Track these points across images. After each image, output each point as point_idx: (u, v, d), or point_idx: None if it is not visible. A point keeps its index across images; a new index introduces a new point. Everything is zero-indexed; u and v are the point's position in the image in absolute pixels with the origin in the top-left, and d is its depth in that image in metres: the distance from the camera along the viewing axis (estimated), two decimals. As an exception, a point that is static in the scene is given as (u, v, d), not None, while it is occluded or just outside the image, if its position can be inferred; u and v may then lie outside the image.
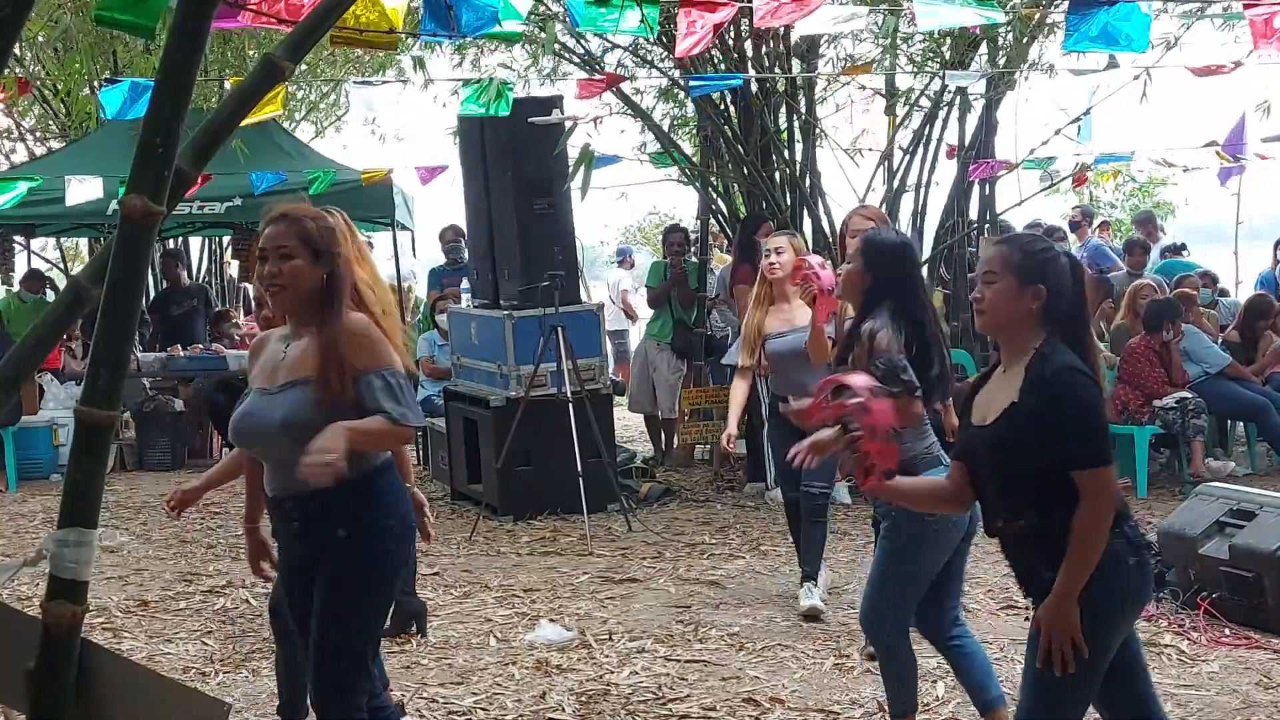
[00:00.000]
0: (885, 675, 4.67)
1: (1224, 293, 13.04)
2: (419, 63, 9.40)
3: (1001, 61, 10.16)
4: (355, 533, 3.64)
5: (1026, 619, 6.30)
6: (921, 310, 4.59)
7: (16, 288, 13.62)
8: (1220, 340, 10.41)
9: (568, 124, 8.87)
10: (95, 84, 12.45)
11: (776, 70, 10.29)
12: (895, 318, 4.47)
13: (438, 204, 14.73)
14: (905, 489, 3.72)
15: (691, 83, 9.37)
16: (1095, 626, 3.31)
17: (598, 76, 9.98)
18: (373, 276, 4.12)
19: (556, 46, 10.60)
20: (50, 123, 16.68)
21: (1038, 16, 9.70)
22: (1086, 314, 3.62)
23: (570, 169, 8.80)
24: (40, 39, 11.67)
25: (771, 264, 6.41)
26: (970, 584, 6.98)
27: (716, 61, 10.39)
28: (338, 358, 3.60)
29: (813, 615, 6.34)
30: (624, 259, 17.70)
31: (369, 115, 14.09)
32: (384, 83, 11.19)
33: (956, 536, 4.44)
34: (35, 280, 13.22)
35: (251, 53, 12.05)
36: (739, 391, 6.62)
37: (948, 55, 10.36)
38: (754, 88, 10.32)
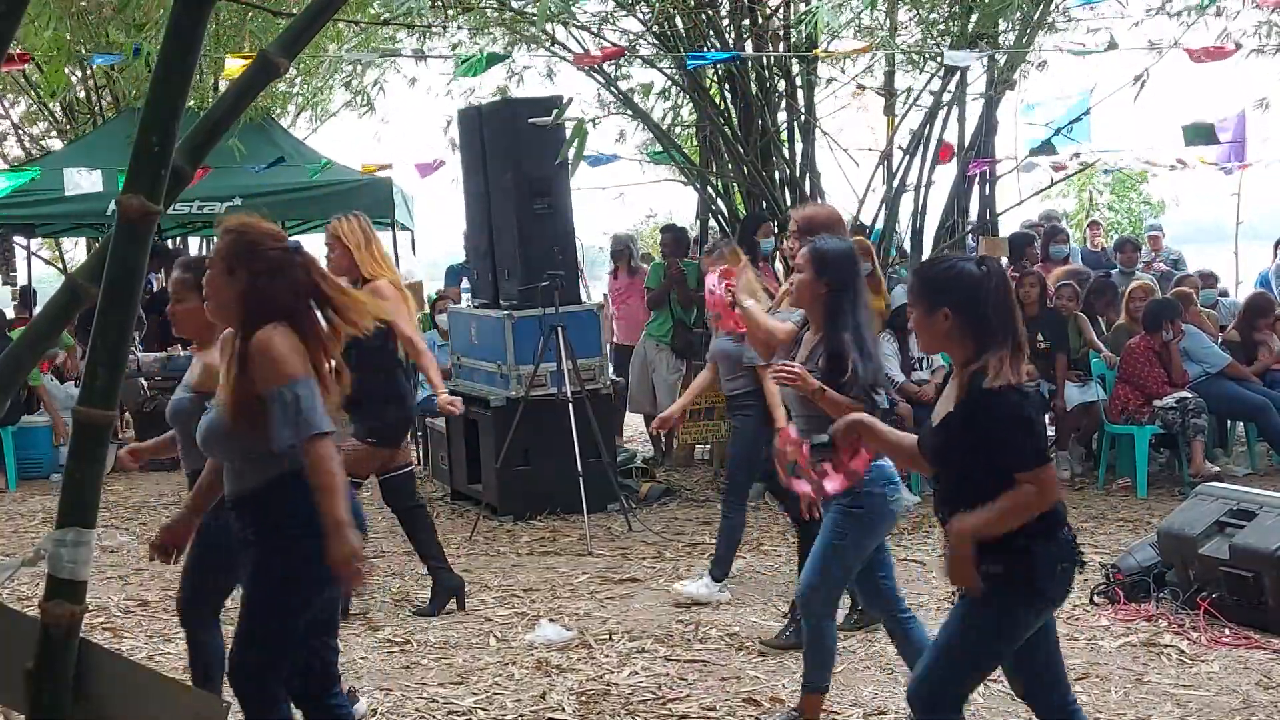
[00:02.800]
0: (811, 654, 4.87)
1: (1224, 293, 13.02)
2: (423, 33, 9.40)
3: (1001, 59, 10.16)
4: (262, 537, 3.80)
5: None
6: (865, 312, 4.79)
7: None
8: (1220, 340, 10.39)
9: (563, 102, 8.84)
10: (83, 55, 12.40)
11: (772, 45, 10.30)
12: (854, 330, 4.68)
13: (438, 204, 14.73)
14: (892, 439, 4.01)
15: (689, 58, 9.37)
16: (1005, 615, 3.61)
17: (594, 53, 9.98)
18: None
19: (556, 47, 10.61)
20: (43, 121, 16.67)
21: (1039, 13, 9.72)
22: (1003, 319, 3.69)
23: (564, 145, 8.76)
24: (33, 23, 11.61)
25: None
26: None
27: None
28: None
29: (687, 603, 6.66)
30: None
31: (360, 80, 14.08)
32: (380, 57, 11.19)
33: (889, 524, 4.81)
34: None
35: (248, 45, 12.03)
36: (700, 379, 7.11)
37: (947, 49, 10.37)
38: (754, 88, 10.32)
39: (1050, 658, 3.82)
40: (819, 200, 10.58)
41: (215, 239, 3.79)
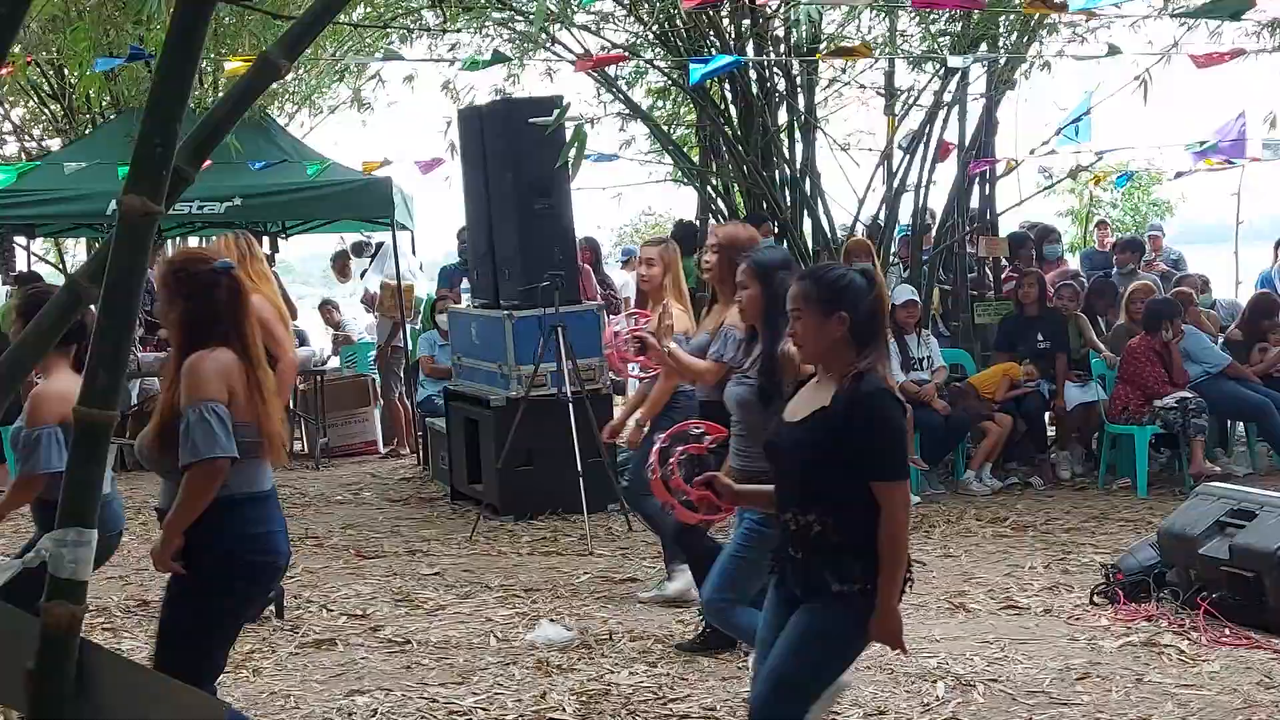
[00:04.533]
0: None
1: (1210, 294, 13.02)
2: (421, 33, 9.39)
3: (1002, 60, 10.15)
4: (190, 559, 3.96)
5: (1027, 618, 6.31)
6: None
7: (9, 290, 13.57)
8: (1222, 339, 10.39)
9: (563, 103, 8.83)
10: (93, 67, 12.45)
11: (773, 47, 10.29)
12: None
13: (438, 204, 14.73)
14: (756, 495, 4.14)
15: (692, 66, 9.34)
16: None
17: (595, 52, 9.97)
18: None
19: (556, 47, 10.61)
20: (44, 118, 16.63)
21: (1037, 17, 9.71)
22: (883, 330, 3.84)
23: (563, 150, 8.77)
24: (34, 25, 11.60)
25: (642, 276, 6.93)
26: (971, 584, 6.98)
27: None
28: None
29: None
30: (629, 260, 17.56)
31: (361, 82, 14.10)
32: (381, 60, 11.20)
33: None
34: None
35: (230, 42, 12.03)
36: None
37: (948, 52, 10.36)
38: (754, 88, 10.32)
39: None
40: (820, 201, 10.60)
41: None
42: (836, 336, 3.66)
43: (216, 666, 4.12)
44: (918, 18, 10.34)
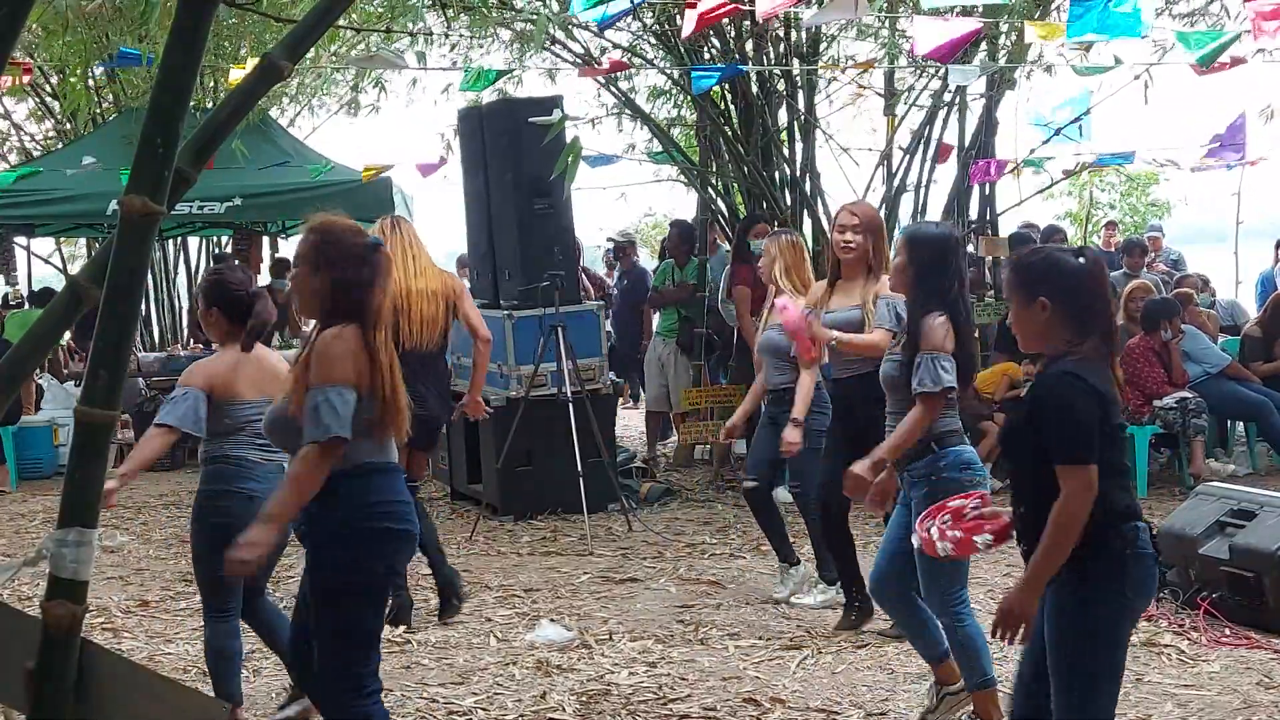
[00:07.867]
0: (958, 654, 4.86)
1: (1212, 293, 13.02)
2: (424, 38, 9.40)
3: (1002, 60, 10.15)
4: (312, 531, 3.84)
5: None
6: (955, 302, 4.77)
7: (27, 306, 13.59)
8: (1222, 340, 10.38)
9: (556, 115, 8.83)
10: (92, 70, 12.43)
11: (774, 59, 10.28)
12: (948, 310, 4.73)
13: (438, 204, 14.74)
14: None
15: (694, 75, 9.34)
16: (1099, 622, 3.52)
17: (594, 51, 9.97)
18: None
19: (556, 47, 10.60)
20: (45, 120, 16.65)
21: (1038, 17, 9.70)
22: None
23: (558, 162, 8.78)
24: (34, 27, 11.62)
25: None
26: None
27: (716, 56, 10.40)
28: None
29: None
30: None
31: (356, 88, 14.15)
32: (382, 68, 11.19)
33: None
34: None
35: (229, 44, 12.02)
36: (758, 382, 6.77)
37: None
38: (755, 88, 10.32)
39: None
40: (820, 201, 10.59)
41: (300, 238, 4.00)
42: (1041, 323, 3.54)
43: (370, 630, 3.91)
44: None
